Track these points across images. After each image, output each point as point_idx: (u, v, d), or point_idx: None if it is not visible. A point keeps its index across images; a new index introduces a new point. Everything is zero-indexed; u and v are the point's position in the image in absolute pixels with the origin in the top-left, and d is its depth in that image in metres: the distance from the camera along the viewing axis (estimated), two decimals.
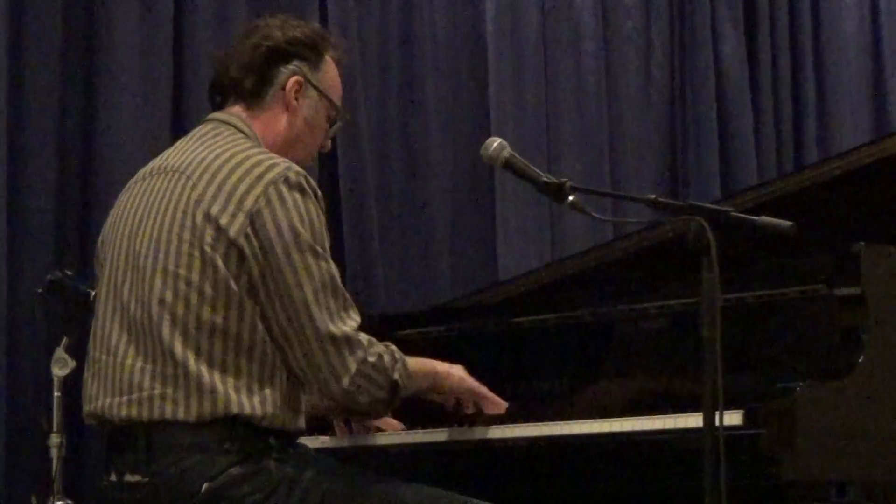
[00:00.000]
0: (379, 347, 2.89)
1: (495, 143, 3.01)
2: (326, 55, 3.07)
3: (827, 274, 3.06)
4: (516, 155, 3.00)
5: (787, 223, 2.82)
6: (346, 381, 2.83)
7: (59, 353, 3.53)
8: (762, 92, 5.73)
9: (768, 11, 5.79)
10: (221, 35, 4.49)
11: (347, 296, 2.88)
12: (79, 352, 3.65)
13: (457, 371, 3.19)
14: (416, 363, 3.03)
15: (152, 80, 4.35)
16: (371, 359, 2.85)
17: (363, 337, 2.87)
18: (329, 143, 3.13)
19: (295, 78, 3.02)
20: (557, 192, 2.93)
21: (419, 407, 3.17)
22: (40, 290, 3.63)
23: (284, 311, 2.81)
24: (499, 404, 3.21)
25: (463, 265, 5.00)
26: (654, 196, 2.90)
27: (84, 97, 4.28)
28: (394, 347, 2.95)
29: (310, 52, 3.04)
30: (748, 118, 5.67)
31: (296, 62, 3.02)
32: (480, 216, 5.06)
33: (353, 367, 2.83)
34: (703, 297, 2.61)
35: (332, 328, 2.82)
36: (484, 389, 3.21)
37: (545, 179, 2.95)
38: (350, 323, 2.85)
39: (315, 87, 3.03)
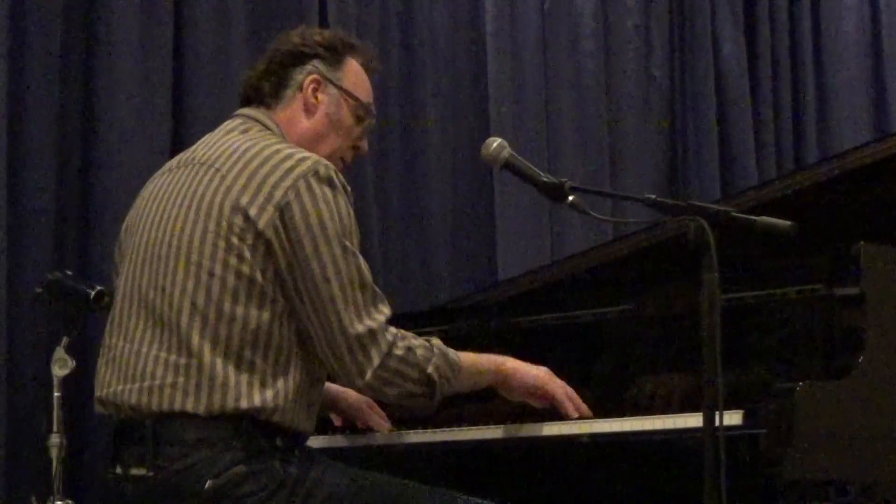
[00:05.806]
0: (412, 341, 2.89)
1: (495, 143, 3.01)
2: (348, 56, 3.09)
3: (827, 274, 3.05)
4: (516, 155, 3.00)
5: (787, 223, 2.82)
6: (368, 375, 2.83)
7: (59, 353, 3.52)
8: (762, 92, 5.73)
9: (768, 11, 5.80)
10: (221, 35, 4.50)
11: (377, 290, 2.88)
12: (79, 352, 3.65)
13: (534, 370, 3.11)
14: (475, 358, 3.02)
15: (152, 80, 4.35)
16: (398, 352, 2.85)
17: (393, 330, 2.86)
18: (365, 144, 3.15)
19: (312, 76, 3.05)
20: (557, 192, 2.93)
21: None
22: (40, 290, 3.62)
23: (311, 305, 2.82)
24: (580, 407, 3.11)
25: (463, 265, 5.00)
26: (654, 196, 2.90)
27: (84, 97, 4.28)
28: (436, 342, 2.94)
29: (327, 52, 3.07)
30: (748, 118, 5.67)
31: (313, 62, 3.05)
32: (480, 216, 5.06)
33: (376, 360, 2.82)
34: (703, 297, 2.61)
35: (358, 324, 2.82)
36: (567, 392, 3.11)
37: (545, 179, 2.95)
38: (377, 317, 2.85)
39: (334, 84, 3.05)
